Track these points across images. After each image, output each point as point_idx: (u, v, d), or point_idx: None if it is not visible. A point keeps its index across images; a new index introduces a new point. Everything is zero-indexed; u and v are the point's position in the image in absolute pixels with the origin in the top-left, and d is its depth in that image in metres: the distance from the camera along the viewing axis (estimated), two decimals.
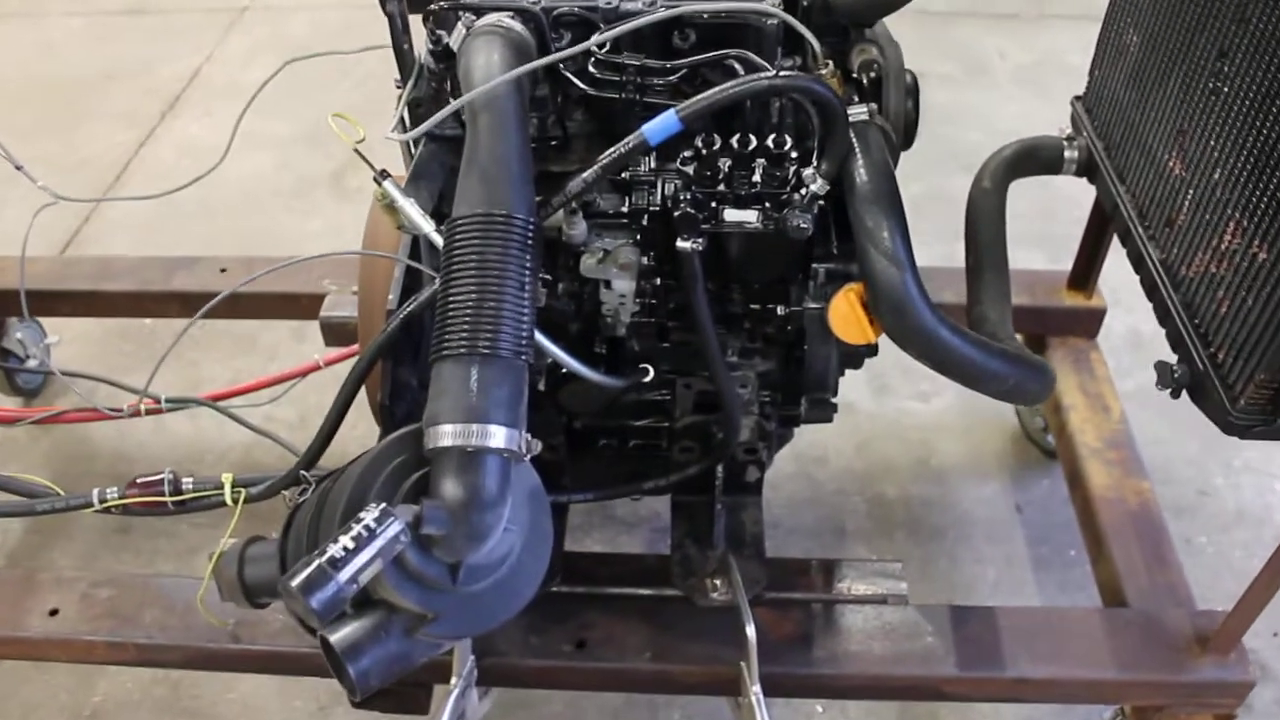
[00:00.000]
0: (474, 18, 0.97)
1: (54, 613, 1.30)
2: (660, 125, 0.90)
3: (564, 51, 0.93)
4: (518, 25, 0.97)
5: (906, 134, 1.11)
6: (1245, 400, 1.00)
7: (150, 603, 1.31)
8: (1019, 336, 1.76)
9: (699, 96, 0.91)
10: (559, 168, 1.07)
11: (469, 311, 0.85)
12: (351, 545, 0.81)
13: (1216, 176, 1.08)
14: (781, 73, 0.91)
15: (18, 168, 1.47)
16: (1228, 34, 1.07)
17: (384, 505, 0.83)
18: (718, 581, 1.30)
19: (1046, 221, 2.34)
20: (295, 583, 0.79)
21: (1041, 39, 3.13)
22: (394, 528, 0.82)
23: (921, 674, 1.22)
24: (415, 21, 1.15)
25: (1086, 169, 1.41)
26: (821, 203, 0.98)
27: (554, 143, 1.06)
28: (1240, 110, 1.04)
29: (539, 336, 0.97)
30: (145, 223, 2.51)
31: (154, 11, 3.40)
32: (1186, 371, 1.09)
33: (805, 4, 1.06)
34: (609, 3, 0.99)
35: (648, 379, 1.16)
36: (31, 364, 1.97)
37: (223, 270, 1.78)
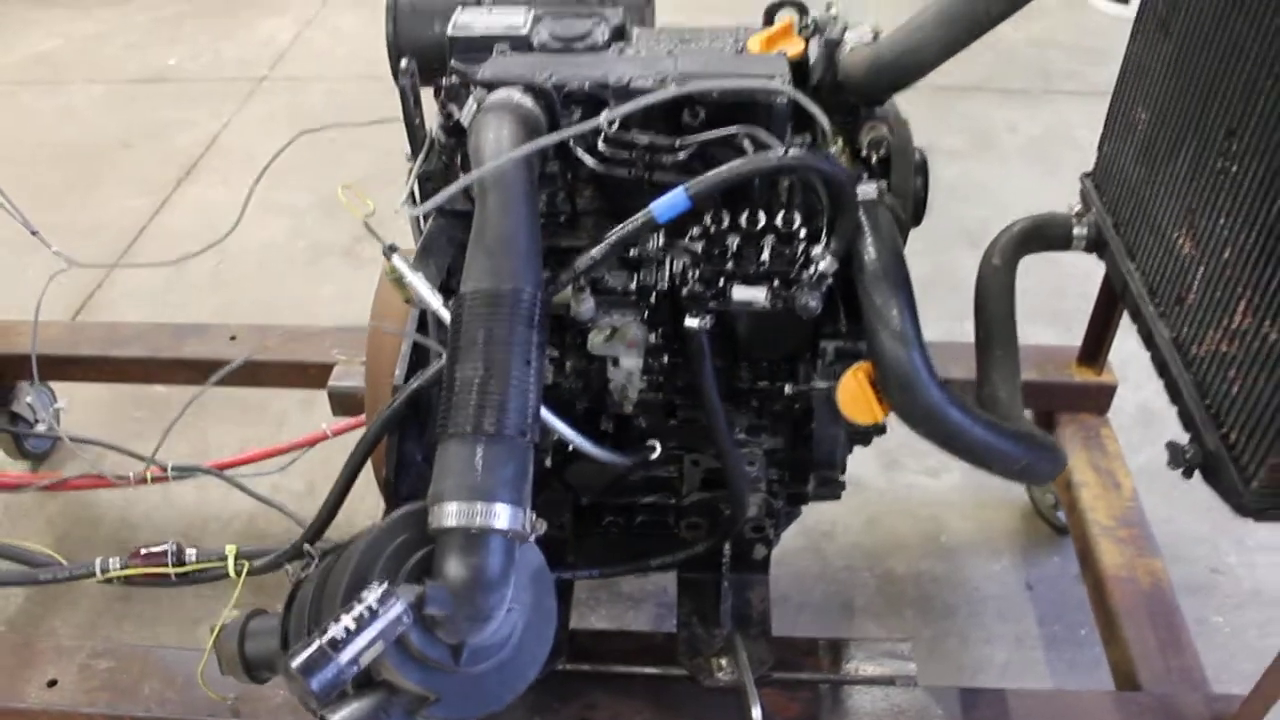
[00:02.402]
0: (485, 93, 0.98)
1: (52, 683, 1.28)
2: (669, 203, 0.91)
3: (573, 128, 0.93)
4: (528, 101, 0.98)
5: (916, 211, 1.11)
6: (1259, 482, 0.99)
7: (150, 675, 1.29)
8: (1028, 413, 1.77)
9: (708, 174, 0.91)
10: (568, 243, 1.08)
11: (475, 389, 0.85)
12: (353, 626, 0.80)
13: (1227, 255, 1.08)
14: (791, 151, 0.92)
15: (33, 233, 1.49)
16: (1235, 112, 1.08)
17: (386, 585, 0.82)
18: (723, 661, 1.27)
19: (1056, 298, 2.34)
20: (295, 664, 0.78)
21: (1049, 114, 3.17)
22: (396, 608, 0.81)
23: None
24: (427, 94, 1.17)
25: (1096, 245, 1.41)
26: (830, 281, 0.98)
27: (563, 219, 1.06)
28: (1249, 188, 1.04)
29: (546, 414, 0.96)
30: (158, 289, 2.53)
31: (174, 80, 3.47)
32: (1199, 452, 1.08)
33: (815, 81, 1.07)
34: (619, 80, 1.00)
35: (655, 455, 1.16)
36: (40, 428, 1.97)
37: (232, 338, 1.78)
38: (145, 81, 3.45)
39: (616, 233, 0.94)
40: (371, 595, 0.81)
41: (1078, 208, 1.43)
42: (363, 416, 1.57)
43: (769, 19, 1.17)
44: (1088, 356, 1.70)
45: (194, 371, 1.78)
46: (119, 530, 1.90)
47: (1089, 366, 1.71)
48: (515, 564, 0.88)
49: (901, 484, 2.01)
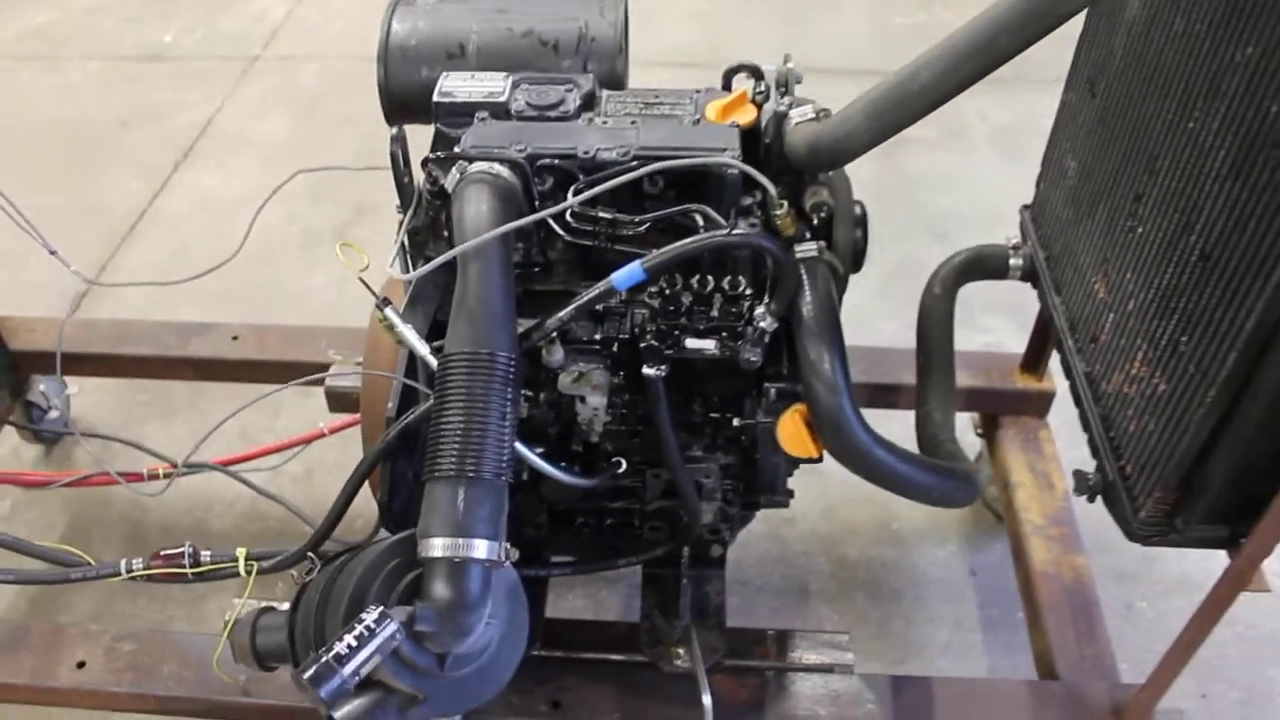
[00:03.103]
0: (466, 164, 1.11)
1: (81, 665, 1.43)
2: (627, 275, 1.04)
3: (544, 212, 1.06)
4: (505, 173, 1.10)
5: (855, 260, 1.24)
6: (1145, 512, 1.13)
7: (169, 657, 1.44)
8: (976, 415, 1.92)
9: (662, 250, 1.05)
10: (542, 287, 1.21)
11: (458, 439, 0.98)
12: (354, 644, 0.94)
13: (1130, 306, 1.21)
14: (735, 231, 1.05)
15: (52, 252, 1.60)
16: (1142, 180, 1.21)
17: (382, 608, 0.96)
18: (681, 650, 1.42)
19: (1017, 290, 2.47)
20: (307, 675, 0.92)
21: (1020, 101, 3.26)
22: (390, 627, 0.95)
23: None
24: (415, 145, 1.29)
25: (1030, 276, 1.54)
26: (769, 336, 1.12)
27: (537, 269, 1.19)
28: (1150, 252, 1.17)
29: (520, 448, 1.11)
30: (160, 273, 2.64)
31: (170, 58, 3.54)
32: (1100, 480, 1.23)
33: (765, 146, 1.20)
34: (587, 151, 1.12)
35: (620, 470, 1.30)
36: (53, 415, 2.10)
37: (234, 338, 1.91)
38: (142, 59, 3.52)
39: (580, 299, 1.07)
40: (370, 616, 0.96)
41: (1015, 240, 1.56)
42: (358, 415, 1.70)
43: (727, 83, 1.30)
44: (1029, 364, 1.84)
45: (198, 369, 1.91)
46: (130, 512, 2.04)
47: (1030, 374, 1.85)
48: (492, 585, 1.02)
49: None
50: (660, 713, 1.38)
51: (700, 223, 1.09)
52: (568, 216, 1.08)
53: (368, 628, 0.95)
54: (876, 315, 2.42)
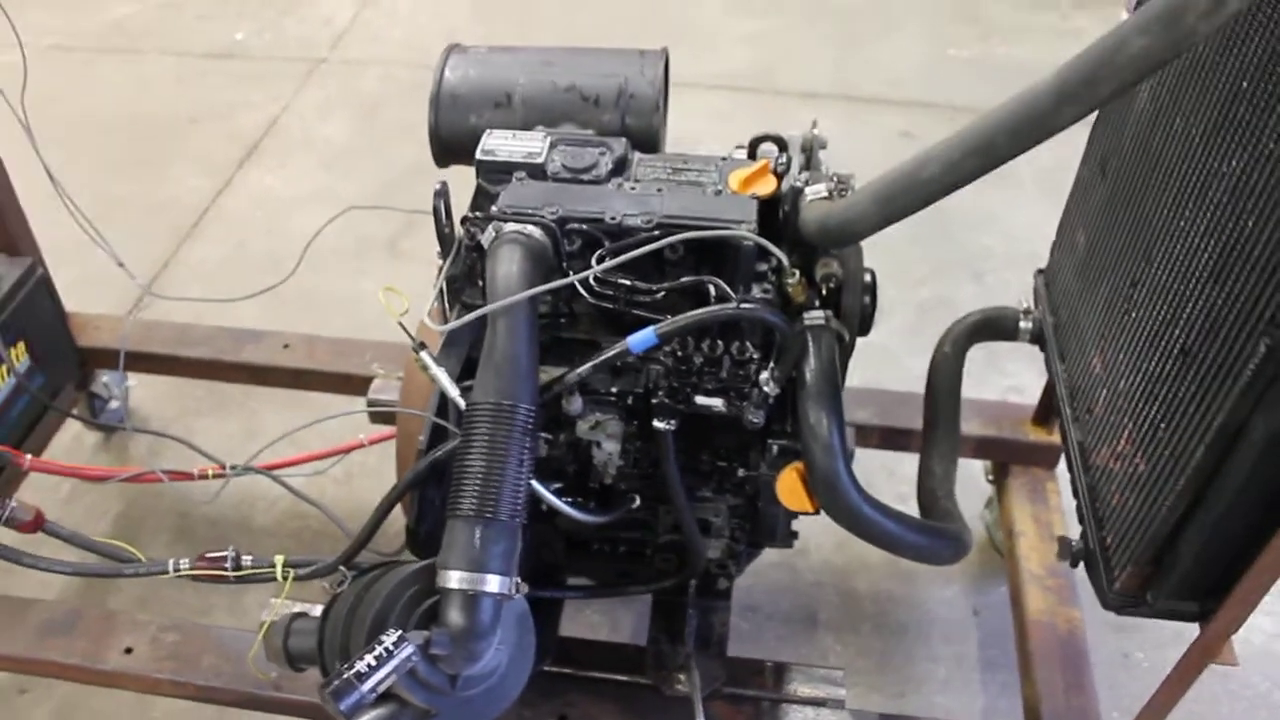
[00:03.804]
0: (501, 225, 1.20)
1: (129, 651, 1.55)
2: (641, 339, 1.13)
3: (570, 279, 1.15)
4: (537, 233, 1.20)
5: (863, 326, 1.32)
6: (1119, 585, 1.20)
7: (209, 649, 1.56)
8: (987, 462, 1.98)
9: (675, 319, 1.14)
10: (569, 335, 1.30)
11: (479, 482, 1.08)
12: (374, 663, 1.04)
13: (1121, 386, 1.28)
14: (743, 305, 1.13)
15: (120, 264, 1.72)
16: (1139, 267, 1.27)
17: (400, 632, 1.06)
18: (683, 675, 1.51)
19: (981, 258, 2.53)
20: (329, 690, 1.03)
21: (1067, 145, 3.29)
22: (407, 650, 1.05)
23: None
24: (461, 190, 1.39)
25: (1039, 340, 1.60)
26: (772, 400, 1.20)
27: (563, 319, 1.28)
28: (1140, 337, 1.24)
29: (539, 488, 1.21)
30: (220, 269, 2.78)
31: (240, 56, 3.69)
32: (1083, 548, 1.29)
33: (783, 216, 1.28)
34: (613, 218, 1.21)
35: (635, 506, 1.39)
36: (114, 405, 2.24)
37: (285, 346, 2.03)
38: (214, 57, 3.67)
39: (598, 357, 1.17)
40: (389, 639, 1.06)
41: (1026, 304, 1.62)
42: (394, 429, 1.81)
43: (752, 152, 1.38)
44: (1041, 418, 1.90)
45: (251, 374, 2.04)
46: (180, 503, 2.17)
47: (1041, 426, 1.91)
48: (503, 616, 1.12)
49: None
50: None
51: (712, 293, 1.17)
52: (591, 280, 1.17)
53: (386, 649, 1.05)
54: (906, 353, 2.48)
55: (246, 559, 1.47)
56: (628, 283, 1.18)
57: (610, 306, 1.19)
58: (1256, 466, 1.00)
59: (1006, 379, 2.46)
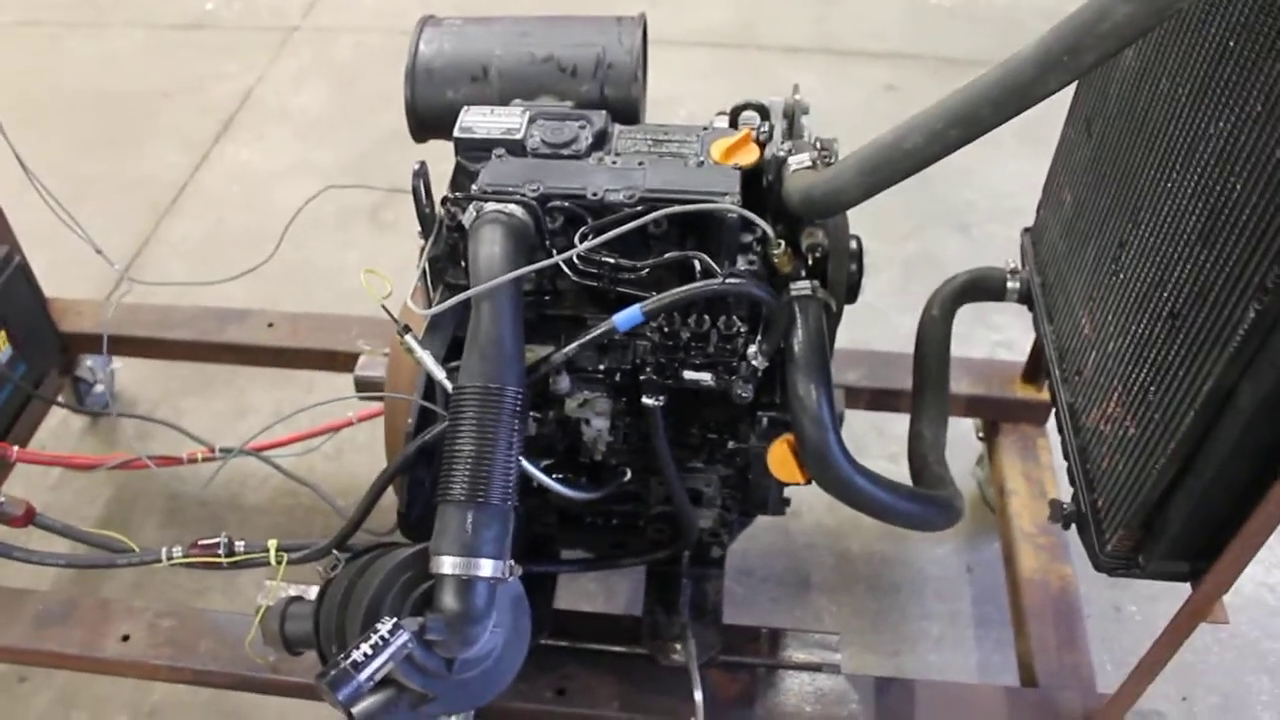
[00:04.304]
0: (482, 204, 1.19)
1: (125, 638, 1.55)
2: (627, 316, 1.12)
3: (554, 259, 1.14)
4: (518, 212, 1.18)
5: (850, 294, 1.31)
6: (1111, 546, 1.21)
7: (205, 634, 1.56)
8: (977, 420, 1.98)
9: (661, 295, 1.13)
10: (554, 312, 1.29)
11: (469, 466, 1.07)
12: (370, 652, 1.04)
13: (1110, 348, 1.28)
14: (727, 280, 1.12)
15: (98, 251, 1.70)
16: (1126, 228, 1.26)
17: (395, 620, 1.06)
18: (679, 645, 1.52)
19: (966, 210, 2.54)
20: (326, 680, 1.03)
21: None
22: (402, 637, 1.06)
23: None
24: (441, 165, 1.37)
25: (1026, 299, 1.60)
26: (760, 373, 1.20)
27: (548, 297, 1.27)
28: (1128, 299, 1.23)
29: (529, 467, 1.20)
30: (200, 246, 2.75)
31: (211, 26, 3.62)
32: (1074, 511, 1.30)
33: (766, 186, 1.26)
34: (595, 193, 1.20)
35: (626, 479, 1.39)
36: (99, 389, 2.23)
37: (270, 325, 2.01)
38: (184, 28, 3.60)
39: (584, 336, 1.16)
40: (384, 627, 1.06)
41: (1013, 264, 1.61)
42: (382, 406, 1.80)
43: (734, 120, 1.36)
44: (1030, 375, 1.90)
45: (235, 354, 2.02)
46: (170, 485, 2.16)
47: (1031, 384, 1.91)
48: (498, 597, 1.12)
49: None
50: (656, 704, 1.48)
51: (698, 268, 1.16)
52: (575, 259, 1.16)
53: (382, 637, 1.05)
54: (894, 310, 2.48)
55: (239, 544, 1.46)
56: (612, 260, 1.16)
57: (594, 285, 1.18)
58: (1245, 431, 1.00)
59: (995, 333, 2.46)
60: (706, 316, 1.20)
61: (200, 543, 1.44)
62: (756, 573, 2.05)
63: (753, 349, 1.19)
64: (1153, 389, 1.13)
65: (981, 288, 1.60)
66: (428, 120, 1.48)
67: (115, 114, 3.22)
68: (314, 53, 3.48)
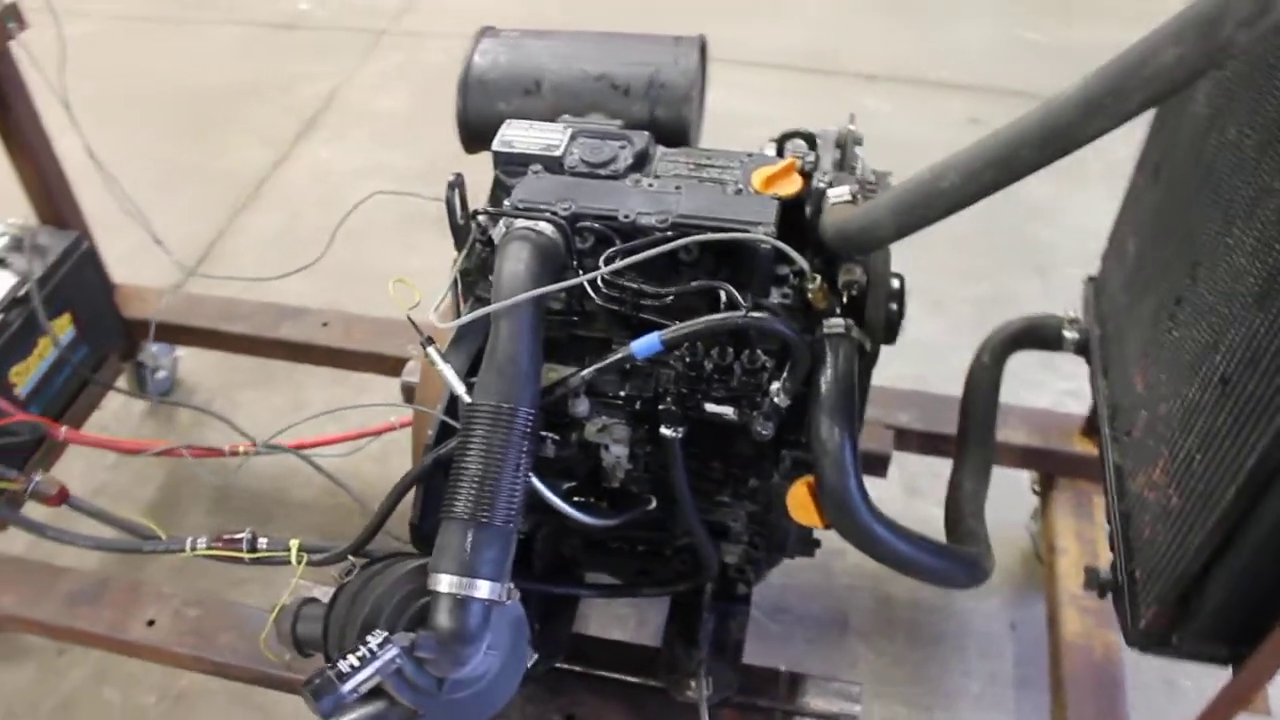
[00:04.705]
0: (513, 221, 1.17)
1: (151, 623, 1.58)
2: (645, 344, 1.09)
3: (573, 281, 1.12)
4: (548, 230, 1.16)
5: (888, 334, 1.25)
6: (1144, 622, 1.14)
7: (227, 627, 1.57)
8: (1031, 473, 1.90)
9: (681, 325, 1.10)
10: (584, 333, 1.27)
11: (475, 485, 1.06)
12: (357, 664, 1.03)
13: (1160, 410, 1.20)
14: (750, 313, 1.09)
15: (157, 242, 1.74)
16: (1184, 283, 1.19)
17: (386, 634, 1.05)
18: (694, 681, 1.48)
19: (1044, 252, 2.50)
20: (309, 689, 1.02)
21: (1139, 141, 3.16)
22: (391, 652, 1.04)
23: None
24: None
25: (1084, 350, 1.52)
26: (788, 404, 1.16)
27: (576, 317, 1.25)
28: (1182, 359, 1.16)
29: (544, 490, 1.18)
30: (274, 240, 2.81)
31: (304, 27, 3.71)
32: (1111, 579, 1.23)
33: (808, 218, 1.23)
34: (626, 216, 1.17)
35: (649, 508, 1.36)
36: (160, 375, 2.28)
37: (325, 324, 2.03)
38: (278, 27, 3.70)
39: (601, 362, 1.13)
40: (374, 640, 1.05)
41: (1072, 313, 1.54)
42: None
43: (780, 148, 1.32)
44: (1090, 429, 1.82)
45: (290, 351, 2.05)
46: (220, 475, 2.19)
47: (1091, 438, 1.82)
48: (494, 621, 1.10)
49: (919, 512, 2.15)
50: None
51: (723, 299, 1.13)
52: (600, 281, 1.13)
53: (371, 650, 1.04)
54: (955, 351, 2.38)
55: (263, 541, 1.47)
56: (635, 286, 1.14)
57: (617, 309, 1.15)
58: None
59: (1065, 381, 2.37)
60: (730, 349, 1.16)
61: (225, 536, 1.45)
62: (794, 611, 2.00)
63: (776, 386, 1.15)
64: (1198, 458, 1.06)
65: (1036, 336, 1.53)
66: (479, 132, 1.48)
67: (206, 108, 3.32)
68: (402, 57, 3.54)
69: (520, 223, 1.17)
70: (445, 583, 1.06)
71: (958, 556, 1.27)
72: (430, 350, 1.19)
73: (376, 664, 1.03)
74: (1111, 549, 1.28)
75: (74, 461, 2.18)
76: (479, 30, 1.54)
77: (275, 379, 2.43)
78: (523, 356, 1.10)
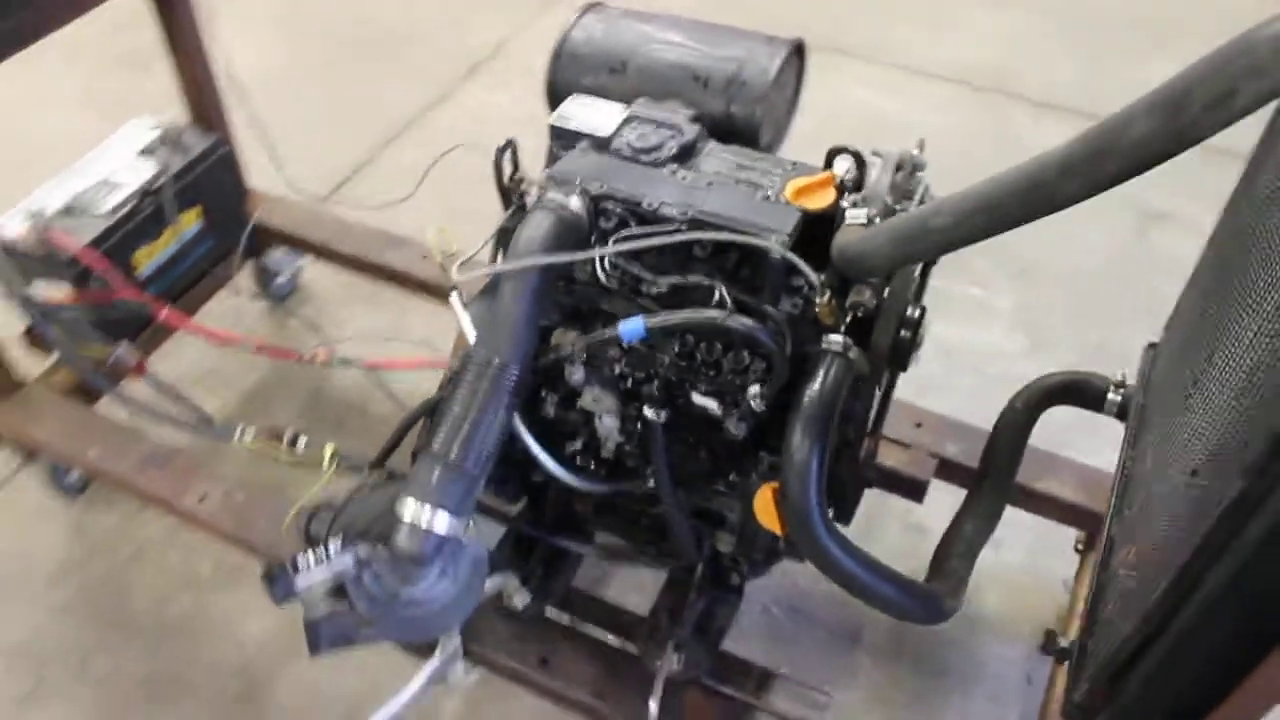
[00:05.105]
0: (545, 190, 1.24)
1: (203, 498, 1.75)
2: (631, 327, 1.15)
3: (579, 254, 1.18)
4: (575, 205, 1.22)
5: (900, 360, 1.26)
6: (1079, 696, 1.12)
7: (265, 515, 1.72)
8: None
9: (666, 315, 1.15)
10: (606, 307, 1.33)
11: (454, 427, 1.14)
12: (314, 562, 1.14)
13: (1154, 491, 1.17)
14: (731, 315, 1.12)
15: (273, 159, 1.89)
16: (1201, 366, 1.15)
17: (343, 539, 1.15)
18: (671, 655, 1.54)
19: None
20: (265, 574, 1.14)
21: None
22: (346, 559, 1.15)
23: None
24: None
25: (1124, 415, 1.48)
26: (763, 409, 1.19)
27: (598, 292, 1.31)
28: (1180, 444, 1.13)
29: (529, 439, 1.26)
30: (411, 175, 2.96)
31: None
32: (1067, 647, 1.21)
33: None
34: (650, 204, 1.22)
35: (649, 486, 1.41)
36: (280, 280, 2.48)
37: (424, 257, 2.16)
38: None
39: (588, 338, 1.19)
40: (335, 544, 1.15)
41: (1120, 375, 1.49)
42: None
43: (829, 162, 1.34)
44: None
45: (390, 277, 2.20)
46: (314, 379, 2.37)
47: None
48: (454, 555, 1.19)
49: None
50: (625, 700, 1.50)
51: (716, 297, 1.16)
52: (606, 261, 1.19)
53: (328, 552, 1.15)
54: None
55: (303, 441, 1.61)
56: (634, 270, 1.19)
57: (614, 289, 1.21)
58: (1206, 614, 0.90)
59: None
60: (720, 346, 1.20)
61: (270, 432, 1.60)
62: (811, 614, 2.01)
63: (754, 389, 1.19)
64: (1153, 549, 1.04)
65: (1077, 393, 1.49)
66: (563, 101, 1.55)
67: (378, 42, 3.51)
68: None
69: (551, 194, 1.24)
70: (409, 509, 1.15)
71: (913, 589, 1.28)
72: (454, 296, 1.28)
73: (331, 566, 1.14)
74: (1081, 616, 1.25)
75: (190, 348, 2.40)
76: (585, 3, 1.60)
77: (383, 301, 2.58)
78: (520, 318, 1.17)
